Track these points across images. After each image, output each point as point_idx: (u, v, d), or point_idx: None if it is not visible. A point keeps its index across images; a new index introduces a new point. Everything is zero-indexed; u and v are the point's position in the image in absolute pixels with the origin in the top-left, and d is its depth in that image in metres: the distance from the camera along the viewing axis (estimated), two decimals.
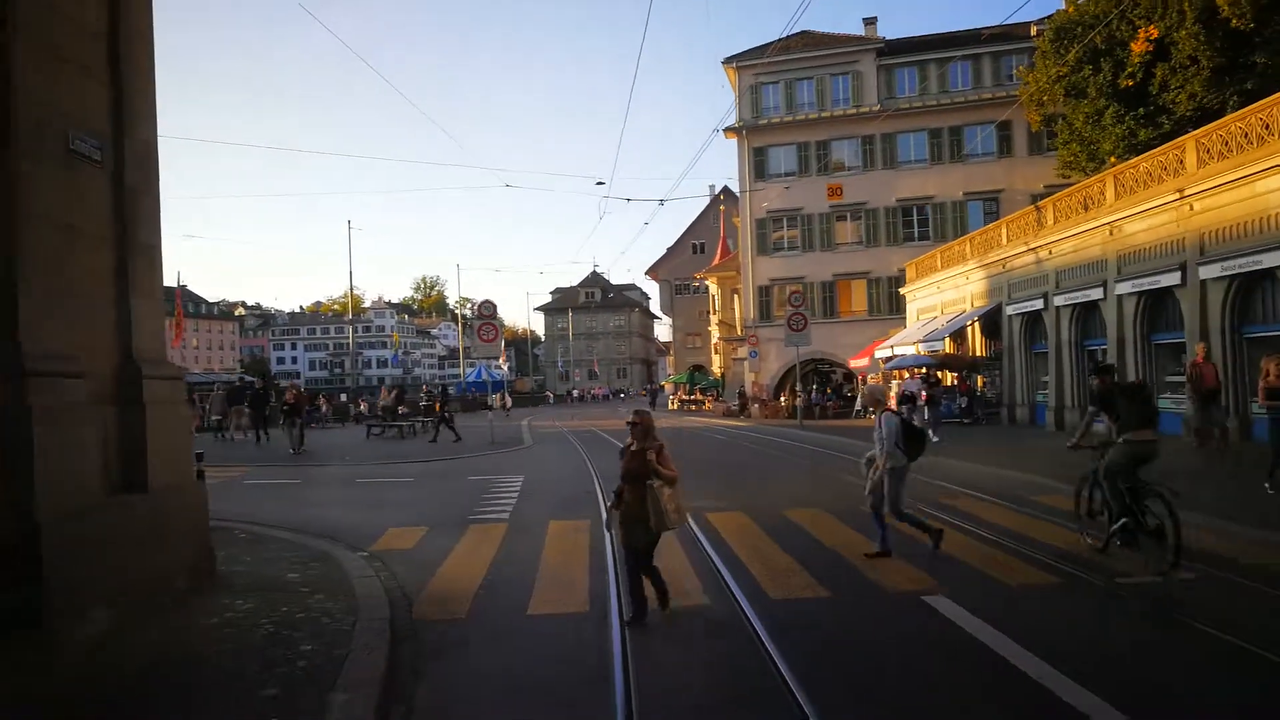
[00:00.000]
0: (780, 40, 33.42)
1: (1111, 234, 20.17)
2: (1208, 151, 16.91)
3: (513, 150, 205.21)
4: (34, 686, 5.38)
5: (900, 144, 42.91)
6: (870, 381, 31.94)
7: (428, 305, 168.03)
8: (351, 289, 53.96)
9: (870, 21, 46.00)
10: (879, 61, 43.34)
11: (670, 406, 56.99)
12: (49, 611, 5.88)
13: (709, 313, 63.63)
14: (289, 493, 15.45)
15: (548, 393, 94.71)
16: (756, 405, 40.46)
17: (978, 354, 29.73)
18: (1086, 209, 21.57)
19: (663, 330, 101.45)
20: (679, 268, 76.78)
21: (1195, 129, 18.97)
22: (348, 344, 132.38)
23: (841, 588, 7.70)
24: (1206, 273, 16.78)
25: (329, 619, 6.85)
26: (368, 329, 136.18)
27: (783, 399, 38.74)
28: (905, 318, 37.68)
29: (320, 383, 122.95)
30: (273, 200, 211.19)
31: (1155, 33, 23.66)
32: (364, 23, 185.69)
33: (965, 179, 41.38)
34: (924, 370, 27.07)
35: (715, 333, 59.76)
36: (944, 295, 32.28)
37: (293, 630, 6.53)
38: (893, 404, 19.62)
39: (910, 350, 30.96)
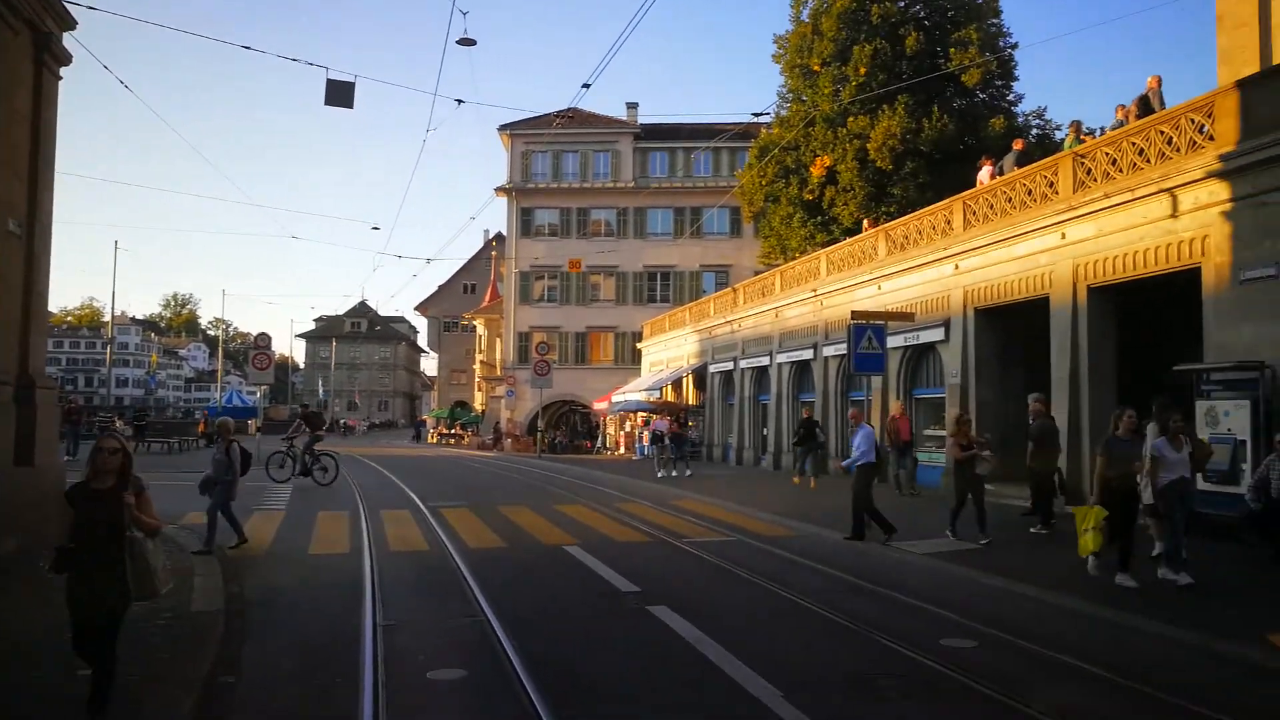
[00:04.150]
0: (552, 116, 38.73)
1: (777, 316, 26.47)
2: (832, 265, 23.37)
3: (291, 189, 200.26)
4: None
5: (650, 217, 49.22)
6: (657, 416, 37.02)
7: (177, 324, 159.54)
8: (114, 312, 53.13)
9: (632, 106, 52.40)
10: (636, 144, 49.65)
11: (430, 440, 60.25)
12: None
13: (475, 351, 67.31)
14: None
15: None
16: (509, 440, 44.74)
17: (690, 402, 35.71)
18: (764, 295, 27.89)
19: (430, 365, 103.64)
20: (449, 306, 79.47)
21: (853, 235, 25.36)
22: (85, 359, 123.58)
23: (515, 542, 12.19)
24: (828, 351, 23.11)
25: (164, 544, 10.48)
26: (107, 345, 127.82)
27: (537, 435, 43.29)
28: (641, 368, 43.51)
29: None
30: None
31: (828, 161, 30.63)
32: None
33: (702, 253, 48.14)
34: (675, 415, 31.98)
35: (479, 371, 63.57)
36: (670, 352, 38.31)
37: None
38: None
39: (638, 396, 36.51)
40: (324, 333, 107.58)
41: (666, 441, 25.20)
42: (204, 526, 11.03)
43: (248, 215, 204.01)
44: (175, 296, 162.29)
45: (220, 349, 76.33)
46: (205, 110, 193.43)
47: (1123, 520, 8.89)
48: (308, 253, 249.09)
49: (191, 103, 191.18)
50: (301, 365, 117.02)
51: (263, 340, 29.26)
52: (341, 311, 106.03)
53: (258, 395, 49.44)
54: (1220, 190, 12.00)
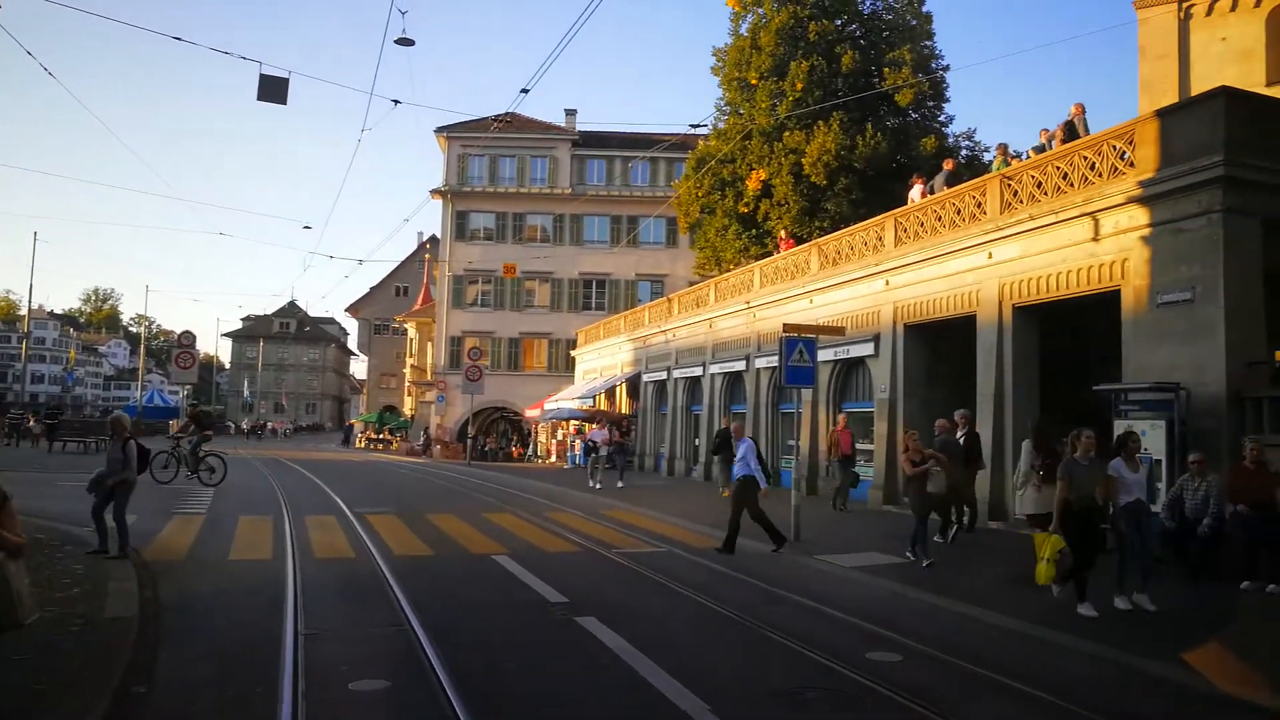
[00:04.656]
0: (489, 119, 38.34)
1: (711, 327, 26.65)
2: (766, 278, 23.63)
3: (221, 184, 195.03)
4: None
5: (586, 224, 49.12)
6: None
7: (97, 320, 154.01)
8: (31, 305, 50.91)
9: (571, 113, 52.15)
10: (573, 151, 49.56)
11: (358, 444, 59.16)
12: None
13: (406, 355, 66.29)
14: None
15: (229, 423, 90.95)
16: (439, 446, 44.15)
17: (623, 411, 35.69)
18: (698, 306, 28.06)
19: (359, 368, 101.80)
20: (381, 308, 78.29)
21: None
22: (0, 354, 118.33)
23: (443, 551, 12.00)
24: (760, 363, 23.32)
25: (80, 548, 10.07)
26: (23, 339, 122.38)
27: (468, 442, 42.76)
28: (575, 376, 43.36)
29: None
30: None
31: (764, 175, 30.94)
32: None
33: (638, 262, 48.21)
34: (613, 425, 31.73)
35: (410, 375, 62.62)
36: (604, 360, 38.26)
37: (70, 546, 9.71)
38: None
39: (571, 404, 36.37)
40: (251, 332, 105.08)
41: (601, 452, 24.59)
42: (114, 530, 10.59)
43: (174, 210, 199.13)
44: (96, 291, 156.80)
45: (142, 347, 73.74)
46: (132, 101, 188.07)
47: (1082, 545, 8.54)
48: (236, 250, 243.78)
49: (117, 93, 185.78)
50: (227, 365, 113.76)
51: (187, 339, 28.44)
52: (270, 311, 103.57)
53: (180, 395, 48.05)
54: (1140, 215, 12.44)
